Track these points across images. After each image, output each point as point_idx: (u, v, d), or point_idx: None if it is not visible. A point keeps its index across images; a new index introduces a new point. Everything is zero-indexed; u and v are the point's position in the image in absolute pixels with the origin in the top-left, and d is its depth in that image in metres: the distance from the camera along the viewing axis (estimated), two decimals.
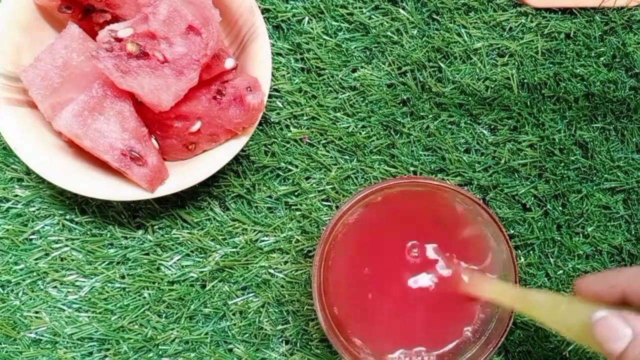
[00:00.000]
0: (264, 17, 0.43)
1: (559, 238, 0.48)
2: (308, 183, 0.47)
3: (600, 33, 0.48)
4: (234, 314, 0.46)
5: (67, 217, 0.46)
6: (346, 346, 0.39)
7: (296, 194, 0.47)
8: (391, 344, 0.40)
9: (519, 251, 0.48)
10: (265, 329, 0.46)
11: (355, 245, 0.41)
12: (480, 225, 0.41)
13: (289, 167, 0.47)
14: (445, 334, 0.41)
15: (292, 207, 0.47)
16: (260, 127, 0.47)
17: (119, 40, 0.38)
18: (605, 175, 0.48)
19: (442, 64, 0.48)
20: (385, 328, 0.40)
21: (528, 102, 0.48)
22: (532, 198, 0.48)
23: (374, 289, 0.40)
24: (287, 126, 0.47)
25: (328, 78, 0.47)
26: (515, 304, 0.37)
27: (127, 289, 0.46)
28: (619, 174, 0.48)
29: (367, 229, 0.41)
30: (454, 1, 0.48)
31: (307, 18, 0.47)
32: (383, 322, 0.40)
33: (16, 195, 0.46)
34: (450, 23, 0.48)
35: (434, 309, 0.40)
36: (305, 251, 0.47)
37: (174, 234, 0.46)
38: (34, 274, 0.46)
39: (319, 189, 0.47)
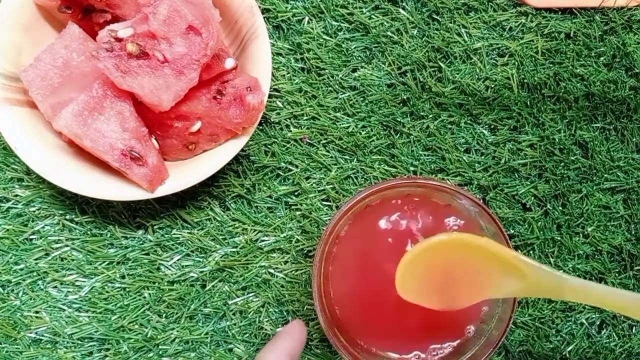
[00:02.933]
0: (264, 17, 0.43)
1: (559, 238, 0.48)
2: (308, 183, 0.47)
3: (600, 33, 0.48)
4: (234, 314, 0.46)
5: (67, 217, 0.46)
6: (346, 346, 0.39)
7: (296, 194, 0.47)
8: (393, 344, 0.40)
9: (519, 251, 0.47)
10: (265, 329, 0.46)
11: (355, 245, 0.41)
12: (480, 225, 0.41)
13: (289, 167, 0.47)
14: (446, 335, 0.41)
15: (292, 207, 0.47)
16: (260, 127, 0.47)
17: (119, 40, 0.38)
18: (605, 175, 0.48)
19: (442, 64, 0.48)
20: (386, 328, 0.40)
21: (528, 102, 0.48)
22: (532, 198, 0.48)
23: (374, 290, 0.40)
24: (287, 126, 0.47)
25: (328, 78, 0.47)
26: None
27: (127, 289, 0.46)
28: (619, 174, 0.48)
29: (368, 229, 0.41)
30: (454, 1, 0.48)
31: (307, 18, 0.47)
32: (384, 322, 0.40)
33: (16, 195, 0.46)
34: (450, 23, 0.48)
35: (434, 311, 0.40)
36: (305, 251, 0.47)
37: (174, 234, 0.46)
38: (34, 274, 0.46)
39: (319, 189, 0.47)
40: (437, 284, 0.37)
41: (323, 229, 0.47)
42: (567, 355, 0.47)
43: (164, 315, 0.46)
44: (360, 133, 0.47)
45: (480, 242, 0.35)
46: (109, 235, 0.46)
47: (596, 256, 0.48)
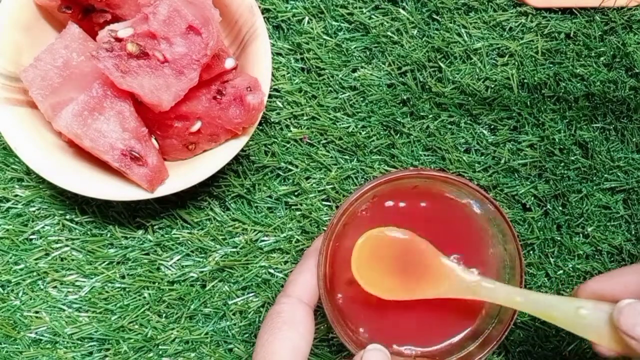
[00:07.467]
0: (264, 17, 0.43)
1: (559, 238, 0.48)
2: (308, 183, 0.47)
3: (600, 33, 0.48)
4: (234, 314, 0.46)
5: (67, 217, 0.46)
6: (349, 334, 0.39)
7: (296, 194, 0.47)
8: (394, 338, 0.40)
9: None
10: None
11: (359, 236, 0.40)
12: (486, 218, 0.41)
13: (289, 167, 0.47)
14: (443, 330, 0.41)
15: (292, 207, 0.47)
16: (260, 127, 0.47)
17: (119, 40, 0.38)
18: (605, 175, 0.48)
19: (442, 64, 0.48)
20: (387, 321, 0.40)
21: (528, 102, 0.48)
22: (532, 198, 0.48)
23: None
24: (287, 126, 0.47)
25: (328, 78, 0.47)
26: (523, 308, 0.38)
27: (127, 289, 0.46)
28: (619, 174, 0.48)
29: (372, 221, 0.41)
30: (454, 1, 0.48)
31: (307, 18, 0.47)
32: (385, 314, 0.40)
33: (16, 195, 0.46)
34: (450, 23, 0.48)
35: (435, 306, 0.40)
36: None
37: (174, 234, 0.46)
38: (34, 274, 0.46)
39: (319, 189, 0.47)
40: (392, 273, 0.39)
41: (324, 229, 0.47)
42: (567, 355, 0.47)
43: (164, 315, 0.46)
44: (360, 133, 0.47)
45: (405, 238, 0.38)
46: (109, 235, 0.46)
47: (596, 256, 0.48)
